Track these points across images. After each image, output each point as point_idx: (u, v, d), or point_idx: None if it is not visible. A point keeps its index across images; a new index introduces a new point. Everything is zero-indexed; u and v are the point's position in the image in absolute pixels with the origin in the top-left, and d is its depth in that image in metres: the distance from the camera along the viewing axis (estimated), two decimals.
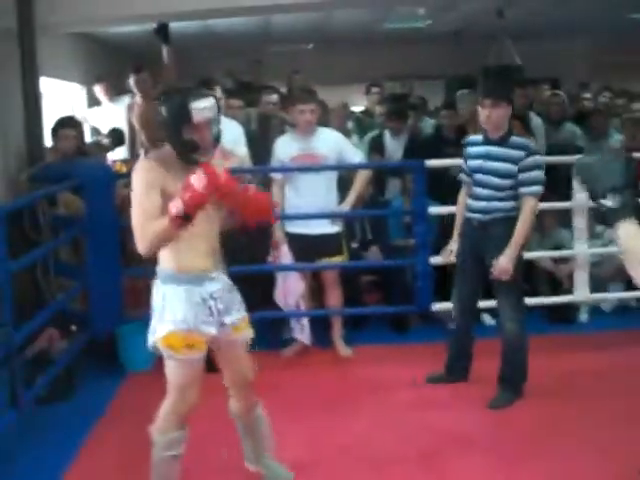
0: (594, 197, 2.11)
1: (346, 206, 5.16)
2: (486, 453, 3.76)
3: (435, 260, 5.13)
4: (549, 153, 6.39)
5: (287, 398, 4.45)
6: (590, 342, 5.35)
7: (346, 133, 6.07)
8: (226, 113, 5.12)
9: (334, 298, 5.27)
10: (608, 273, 6.00)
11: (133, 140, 6.45)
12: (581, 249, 5.47)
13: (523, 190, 4.16)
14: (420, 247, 5.20)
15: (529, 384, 4.41)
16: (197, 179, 2.65)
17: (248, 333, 3.17)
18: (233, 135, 5.07)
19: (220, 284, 3.04)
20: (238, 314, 3.11)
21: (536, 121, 6.67)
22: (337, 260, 5.22)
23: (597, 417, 4.07)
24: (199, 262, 2.97)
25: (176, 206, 2.65)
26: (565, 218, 5.72)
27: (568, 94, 7.57)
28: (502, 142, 4.18)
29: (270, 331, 5.42)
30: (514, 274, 4.17)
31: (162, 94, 3.03)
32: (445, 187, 5.82)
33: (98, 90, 7.12)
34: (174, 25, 6.45)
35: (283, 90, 7.53)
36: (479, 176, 4.26)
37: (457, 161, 5.81)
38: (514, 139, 4.21)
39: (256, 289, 5.51)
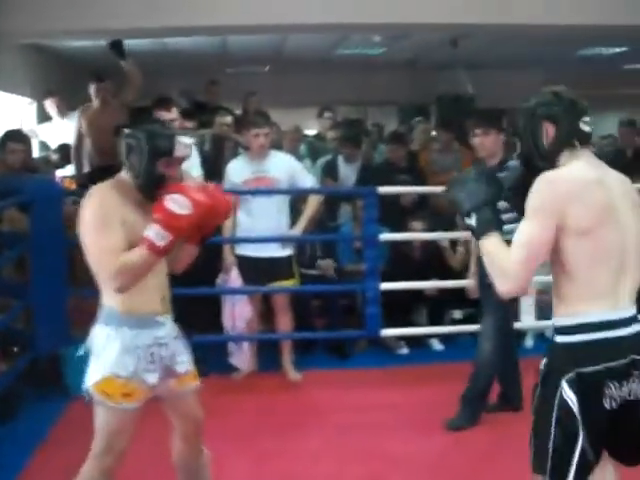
0: (462, 217, 2.34)
1: (297, 230, 5.17)
2: (434, 475, 3.78)
3: (385, 286, 5.17)
4: None
5: (235, 422, 4.41)
6: (535, 366, 5.41)
7: (298, 157, 6.08)
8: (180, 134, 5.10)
9: (284, 323, 5.24)
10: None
11: (79, 152, 6.30)
12: None
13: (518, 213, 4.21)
14: (370, 273, 5.21)
15: None
16: (175, 201, 2.46)
17: (196, 383, 2.92)
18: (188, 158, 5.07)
19: (167, 329, 2.78)
20: (187, 364, 2.87)
21: None
22: (288, 284, 5.21)
23: None
24: (147, 302, 2.70)
25: (157, 233, 2.46)
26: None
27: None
28: (500, 168, 4.21)
29: (218, 355, 5.38)
30: (494, 296, 4.21)
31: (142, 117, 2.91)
32: (396, 214, 5.89)
33: (49, 104, 7.02)
34: (130, 42, 6.43)
35: (238, 112, 7.53)
36: None
37: (408, 188, 5.92)
38: (512, 163, 4.22)
39: (203, 312, 5.49)
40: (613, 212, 2.20)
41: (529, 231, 2.18)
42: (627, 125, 7.23)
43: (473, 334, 5.93)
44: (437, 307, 5.92)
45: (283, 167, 5.13)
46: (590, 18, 6.80)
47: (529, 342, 6.01)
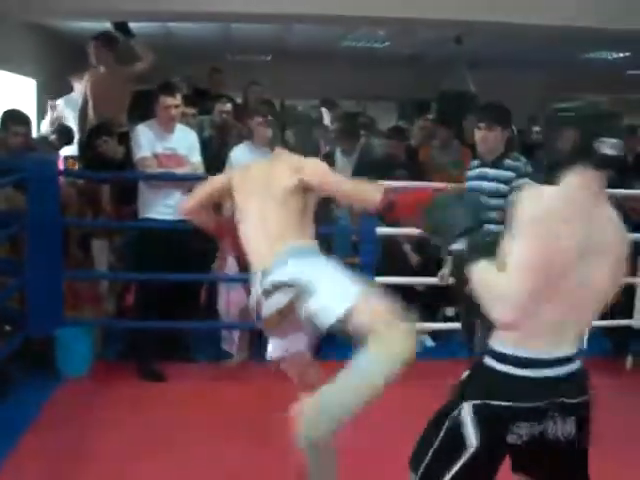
0: (447, 246, 2.17)
1: None
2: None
3: (379, 280, 5.18)
4: None
5: (223, 410, 4.42)
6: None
7: None
8: (180, 120, 5.11)
9: None
10: None
11: (84, 113, 6.28)
12: None
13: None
14: (365, 267, 5.21)
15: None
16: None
17: None
18: (188, 142, 5.12)
19: None
20: None
21: None
22: None
23: None
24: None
25: None
26: None
27: (518, 126, 7.71)
28: (496, 164, 4.23)
29: (212, 341, 5.40)
30: None
31: None
32: None
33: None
34: (134, 25, 6.42)
35: (239, 100, 7.52)
36: None
37: (407, 183, 5.91)
38: (507, 161, 4.23)
39: (195, 298, 5.51)
40: (583, 255, 2.02)
41: (526, 251, 1.99)
42: (628, 131, 7.24)
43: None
44: (429, 303, 5.94)
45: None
46: (594, 21, 6.81)
47: None
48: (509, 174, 4.19)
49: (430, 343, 5.93)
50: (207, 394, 4.71)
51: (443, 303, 6.06)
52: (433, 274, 5.60)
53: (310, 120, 3.45)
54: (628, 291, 5.47)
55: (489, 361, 2.16)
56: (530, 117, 9.00)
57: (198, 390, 4.78)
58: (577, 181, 2.08)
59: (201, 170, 5.12)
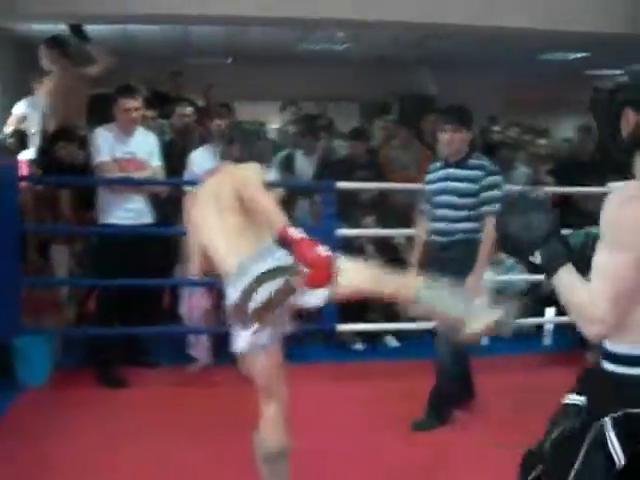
0: (524, 257, 1.98)
1: None
2: (381, 468, 3.80)
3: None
4: None
5: (186, 415, 4.39)
6: (488, 365, 5.51)
7: None
8: (140, 123, 5.07)
9: None
10: (509, 297, 6.16)
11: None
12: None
13: (485, 209, 4.22)
14: None
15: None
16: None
17: None
18: (149, 146, 5.08)
19: None
20: None
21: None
22: None
23: (503, 431, 4.15)
24: None
25: None
26: None
27: (479, 126, 7.78)
28: (461, 164, 4.26)
29: (175, 346, 5.37)
30: None
31: None
32: (355, 209, 5.91)
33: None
34: (90, 28, 6.35)
35: (200, 103, 7.48)
36: (440, 198, 4.31)
37: (368, 184, 5.93)
38: (473, 161, 4.28)
39: (156, 302, 5.48)
40: None
41: (611, 265, 1.79)
42: (584, 130, 7.34)
43: (428, 331, 6.01)
44: (392, 304, 5.94)
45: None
46: (552, 23, 6.89)
47: (483, 340, 6.07)
48: (478, 173, 4.23)
49: (394, 343, 5.95)
50: (170, 399, 4.68)
51: None
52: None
53: (255, 133, 3.53)
54: None
55: (610, 366, 1.91)
56: (490, 117, 9.11)
57: (161, 395, 4.74)
58: None
59: (161, 174, 5.09)
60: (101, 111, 5.52)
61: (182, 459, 3.83)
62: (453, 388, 4.41)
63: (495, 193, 4.22)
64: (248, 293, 2.82)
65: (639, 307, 1.81)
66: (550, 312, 6.21)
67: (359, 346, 5.83)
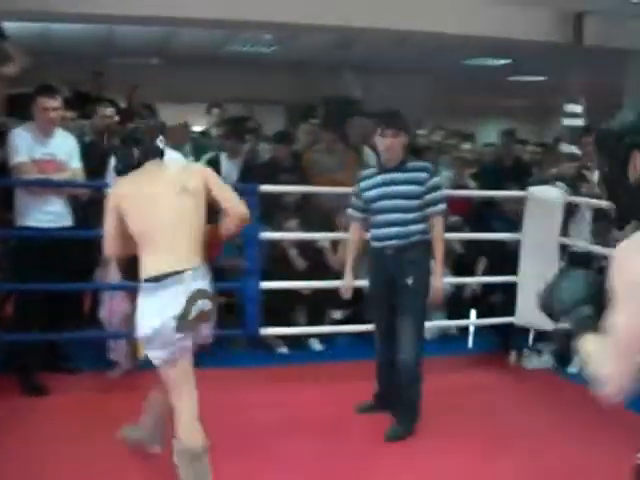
0: (553, 317, 2.03)
1: None
2: (310, 475, 3.82)
3: (265, 285, 5.18)
4: None
5: (108, 421, 4.30)
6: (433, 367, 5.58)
7: (184, 153, 6.01)
8: (59, 124, 4.96)
9: None
10: (431, 303, 6.26)
11: None
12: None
13: (431, 210, 4.26)
14: (251, 272, 5.20)
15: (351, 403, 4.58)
16: None
17: None
18: (68, 147, 4.97)
19: None
20: None
21: (370, 154, 6.87)
22: None
23: (433, 433, 4.28)
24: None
25: None
26: None
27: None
28: (401, 168, 4.26)
29: (96, 351, 5.27)
30: (419, 300, 4.29)
31: None
32: (278, 213, 5.91)
33: None
34: (8, 25, 6.19)
35: (122, 104, 7.38)
36: (383, 203, 4.29)
37: (291, 187, 5.94)
38: (411, 164, 4.30)
39: (76, 307, 5.37)
40: None
41: (617, 322, 1.72)
42: (507, 135, 7.50)
43: (352, 334, 6.05)
44: (316, 307, 5.97)
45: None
46: (476, 30, 7.02)
47: None
48: (421, 174, 4.24)
49: (318, 347, 5.97)
50: (91, 405, 4.59)
51: (330, 306, 6.10)
52: (319, 278, 5.66)
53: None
54: (510, 289, 5.66)
55: None
56: (416, 121, 9.20)
57: (82, 401, 4.65)
58: None
59: (81, 176, 4.99)
60: (20, 111, 5.39)
61: (105, 465, 3.76)
62: (419, 391, 4.36)
63: (439, 193, 4.30)
64: (190, 304, 3.07)
65: None
66: (473, 314, 6.33)
67: (283, 350, 5.83)
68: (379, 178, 4.33)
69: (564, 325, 1.95)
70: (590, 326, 1.87)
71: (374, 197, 4.35)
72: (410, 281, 4.23)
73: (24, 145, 4.77)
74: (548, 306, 2.02)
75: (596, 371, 1.76)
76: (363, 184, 4.43)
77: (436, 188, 4.30)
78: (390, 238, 4.31)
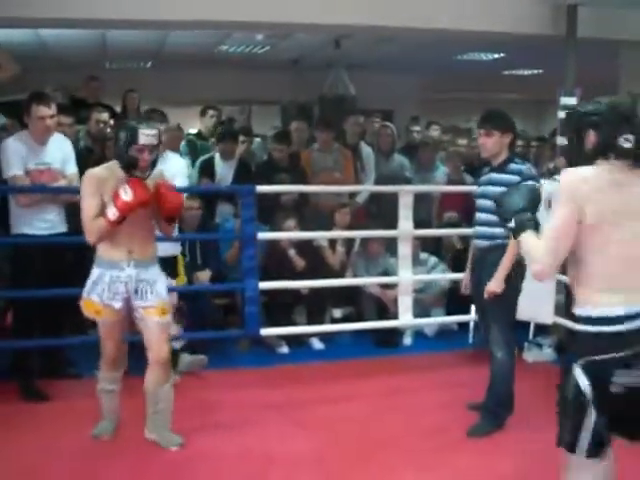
0: (505, 221, 2.75)
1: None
2: (313, 474, 3.81)
3: (264, 285, 5.18)
4: (378, 183, 6.63)
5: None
6: (413, 364, 5.57)
7: (180, 154, 6.02)
8: (56, 129, 4.92)
9: None
10: (430, 299, 6.28)
11: None
12: (405, 276, 5.65)
13: None
14: (249, 272, 5.19)
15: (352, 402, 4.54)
16: (124, 190, 3.60)
17: (158, 317, 3.88)
18: (63, 153, 4.91)
19: (128, 272, 3.83)
20: (151, 301, 3.85)
21: (367, 151, 6.88)
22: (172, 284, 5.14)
23: (421, 428, 4.28)
24: (115, 253, 3.84)
25: (110, 209, 3.63)
26: (391, 245, 5.91)
27: (399, 127, 7.87)
28: (500, 168, 4.23)
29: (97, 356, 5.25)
30: (506, 302, 4.21)
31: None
32: (276, 213, 5.91)
33: None
34: (2, 32, 6.20)
35: (118, 109, 7.38)
36: (480, 201, 4.31)
37: (288, 187, 5.94)
38: (512, 166, 4.23)
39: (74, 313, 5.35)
40: (631, 215, 2.48)
41: (553, 222, 2.51)
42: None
43: (352, 333, 6.06)
44: (316, 306, 5.97)
45: (172, 168, 4.94)
46: (466, 24, 6.99)
47: (407, 340, 6.15)
48: (512, 178, 4.12)
49: (319, 345, 5.97)
50: (93, 411, 4.58)
51: (329, 305, 6.11)
52: (318, 277, 5.67)
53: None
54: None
55: (576, 325, 2.55)
56: (411, 117, 9.21)
57: (83, 407, 4.64)
58: (606, 167, 2.52)
59: (76, 182, 4.93)
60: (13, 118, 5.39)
61: (105, 471, 3.76)
62: (510, 387, 4.31)
63: None
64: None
65: (586, 277, 2.51)
66: (473, 310, 6.32)
67: (284, 349, 5.83)
68: (486, 177, 4.34)
69: (510, 226, 2.70)
70: (529, 227, 2.62)
71: (478, 194, 4.37)
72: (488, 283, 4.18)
73: (17, 157, 4.69)
74: (500, 212, 2.79)
75: (534, 258, 2.53)
76: (480, 179, 4.45)
77: None
78: (478, 237, 4.35)
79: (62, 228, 4.91)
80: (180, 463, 3.88)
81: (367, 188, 6.52)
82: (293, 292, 5.79)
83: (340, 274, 6.07)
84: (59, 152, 4.89)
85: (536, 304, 5.33)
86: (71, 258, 5.04)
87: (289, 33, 8.49)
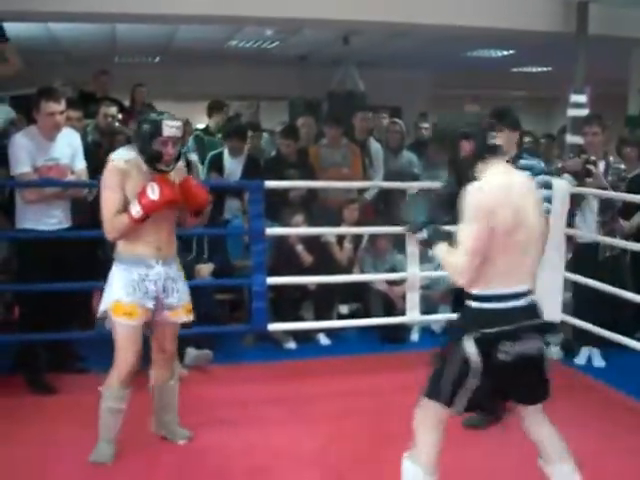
0: (413, 231, 3.00)
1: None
2: (318, 467, 3.82)
3: (272, 280, 5.18)
4: (386, 179, 6.62)
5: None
6: (420, 360, 5.55)
7: (187, 150, 6.03)
8: (65, 124, 4.90)
9: None
10: (438, 295, 6.27)
11: None
12: (413, 272, 5.63)
13: None
14: (257, 267, 5.19)
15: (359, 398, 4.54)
16: (151, 188, 3.47)
17: (186, 316, 3.88)
18: (72, 148, 4.88)
19: (157, 270, 3.69)
20: (178, 300, 3.79)
21: (375, 147, 6.88)
22: None
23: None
24: (142, 249, 3.66)
25: (134, 207, 3.48)
26: (399, 242, 5.90)
27: (407, 123, 7.85)
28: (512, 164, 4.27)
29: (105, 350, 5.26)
30: None
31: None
32: (284, 208, 5.91)
33: None
34: (12, 26, 6.19)
35: (126, 103, 7.39)
36: None
37: (297, 183, 5.94)
38: (521, 162, 4.25)
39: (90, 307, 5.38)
40: (522, 212, 2.78)
41: (469, 233, 2.74)
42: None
43: (359, 329, 6.06)
44: (324, 302, 5.97)
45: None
46: (477, 20, 6.97)
47: (414, 336, 6.15)
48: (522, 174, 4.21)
49: (326, 341, 5.97)
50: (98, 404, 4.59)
51: (337, 301, 6.11)
52: (325, 273, 5.67)
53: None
54: None
55: (471, 303, 2.84)
56: (420, 114, 9.19)
57: (89, 401, 4.65)
58: (500, 168, 2.88)
59: (85, 176, 4.93)
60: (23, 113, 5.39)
61: (113, 467, 3.78)
62: None
63: (543, 192, 4.21)
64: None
65: (486, 266, 2.75)
66: None
67: (291, 345, 5.83)
68: None
69: (422, 236, 2.96)
70: (441, 238, 2.88)
71: None
72: None
73: (26, 154, 4.65)
74: (406, 224, 3.05)
75: (458, 271, 2.78)
76: None
77: (541, 186, 4.22)
78: None
79: (69, 223, 4.91)
80: (188, 458, 3.89)
81: (375, 184, 6.50)
82: (300, 288, 5.80)
83: (348, 270, 6.07)
84: (68, 147, 4.86)
85: (543, 302, 5.31)
86: (82, 252, 5.03)
87: (299, 29, 8.48)
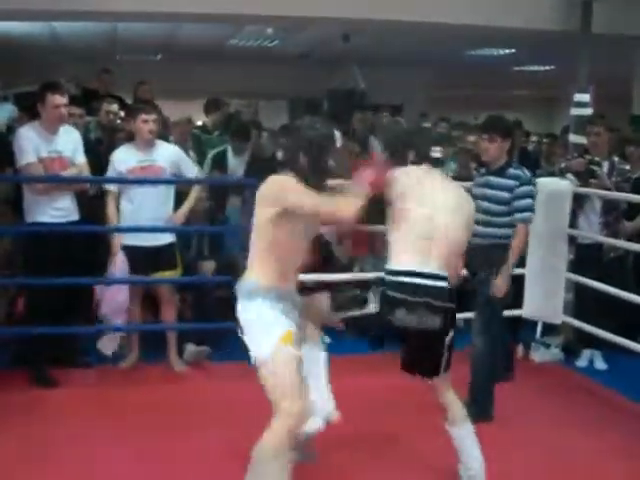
0: None
1: (178, 217, 5.14)
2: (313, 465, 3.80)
3: None
4: None
5: (116, 416, 4.33)
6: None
7: (188, 148, 6.03)
8: (67, 120, 4.95)
9: (168, 313, 5.25)
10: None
11: None
12: None
13: (515, 216, 4.35)
14: None
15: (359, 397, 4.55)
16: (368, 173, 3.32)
17: None
18: (73, 143, 4.97)
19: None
20: None
21: (376, 146, 6.84)
22: (171, 274, 5.18)
23: (428, 426, 4.22)
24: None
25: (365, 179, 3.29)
26: None
27: (408, 122, 7.84)
28: (500, 172, 4.38)
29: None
30: (503, 298, 4.39)
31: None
32: None
33: None
34: (17, 25, 6.21)
35: (128, 100, 7.37)
36: (479, 203, 4.36)
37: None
38: (510, 170, 4.38)
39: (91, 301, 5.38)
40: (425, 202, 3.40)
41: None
42: (514, 126, 7.44)
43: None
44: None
45: (169, 156, 5.13)
46: (477, 19, 6.97)
47: None
48: (511, 182, 4.34)
49: (326, 340, 5.94)
50: (101, 398, 4.62)
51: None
52: (325, 271, 5.65)
53: None
54: (517, 282, 5.61)
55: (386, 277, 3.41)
56: (421, 113, 9.18)
57: (91, 395, 4.68)
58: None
59: (86, 171, 4.99)
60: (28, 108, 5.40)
61: (108, 460, 3.79)
62: (491, 379, 4.41)
63: (526, 202, 4.36)
64: None
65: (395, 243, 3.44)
66: None
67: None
68: (484, 178, 4.51)
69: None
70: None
71: (477, 195, 4.43)
72: (482, 278, 4.39)
73: (31, 145, 4.76)
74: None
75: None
76: (476, 179, 4.66)
77: (524, 196, 4.36)
78: (475, 236, 4.30)
79: (75, 216, 4.95)
80: (187, 454, 3.88)
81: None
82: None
83: (348, 268, 6.06)
84: (70, 141, 4.98)
85: (544, 303, 5.31)
86: (85, 246, 5.04)
87: (299, 27, 8.47)
